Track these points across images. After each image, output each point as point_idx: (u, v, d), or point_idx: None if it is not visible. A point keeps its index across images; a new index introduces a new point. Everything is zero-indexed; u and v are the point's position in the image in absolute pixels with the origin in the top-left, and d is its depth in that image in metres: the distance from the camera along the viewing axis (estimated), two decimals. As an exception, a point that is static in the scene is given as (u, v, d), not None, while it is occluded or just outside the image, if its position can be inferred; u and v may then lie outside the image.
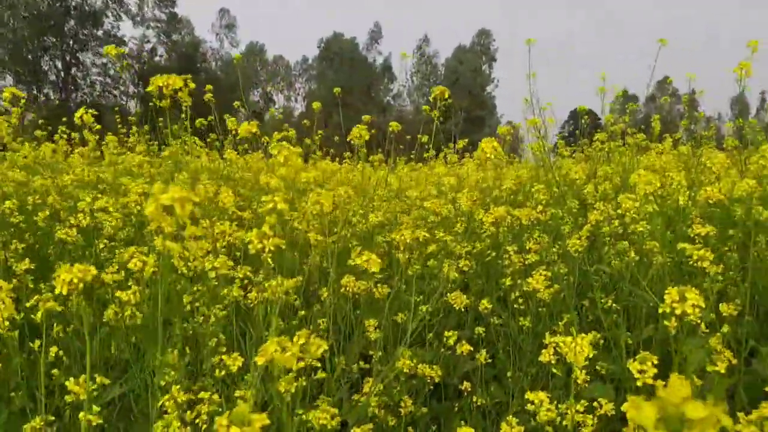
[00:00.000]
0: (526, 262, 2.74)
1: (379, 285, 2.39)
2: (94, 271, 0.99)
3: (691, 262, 1.84)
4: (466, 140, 5.25)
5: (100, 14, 33.78)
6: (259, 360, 0.86)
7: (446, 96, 1.92)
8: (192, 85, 2.16)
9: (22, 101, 2.67)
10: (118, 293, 1.50)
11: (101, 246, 2.46)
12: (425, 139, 5.14)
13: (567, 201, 3.19)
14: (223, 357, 1.40)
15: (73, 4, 32.13)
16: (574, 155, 5.22)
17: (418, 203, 3.63)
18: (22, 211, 2.79)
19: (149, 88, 1.61)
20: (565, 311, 2.65)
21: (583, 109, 4.32)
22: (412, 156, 7.24)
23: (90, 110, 2.26)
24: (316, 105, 5.12)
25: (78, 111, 2.20)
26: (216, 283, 1.60)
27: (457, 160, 4.76)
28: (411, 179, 5.83)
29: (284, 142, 1.36)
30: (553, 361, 2.11)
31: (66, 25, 32.05)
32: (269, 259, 1.14)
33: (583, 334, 1.13)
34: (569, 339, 1.14)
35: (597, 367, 2.21)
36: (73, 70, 33.19)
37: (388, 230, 3.28)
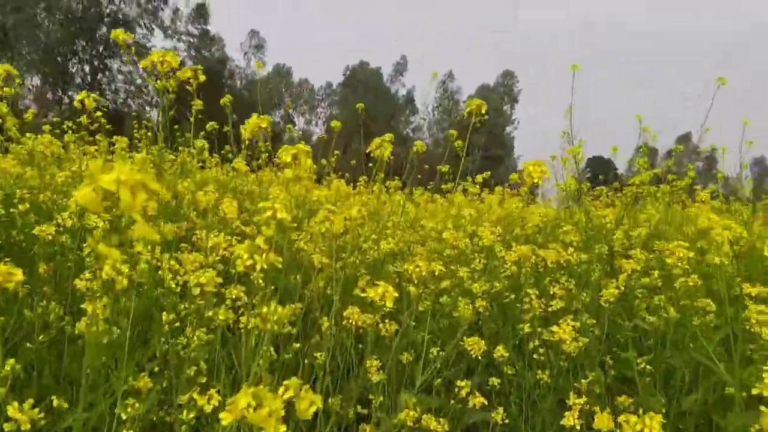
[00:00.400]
0: (549, 309, 2.49)
1: (386, 320, 2.15)
2: (19, 275, 0.77)
3: (748, 326, 1.59)
4: (488, 173, 5.04)
5: (133, 23, 34.40)
6: (225, 419, 0.63)
7: (483, 111, 1.71)
8: (202, 77, 1.99)
9: (17, 81, 2.50)
10: (85, 304, 1.28)
11: (88, 250, 2.25)
12: (445, 168, 4.95)
13: (596, 246, 2.95)
14: (195, 396, 1.17)
15: (107, 11, 32.76)
16: (599, 200, 4.99)
17: (434, 235, 3.40)
18: (11, 206, 2.60)
19: (142, 63, 1.43)
20: (589, 367, 2.38)
21: (615, 149, 4.11)
22: (429, 187, 7.05)
23: (92, 96, 2.08)
24: (335, 124, 4.96)
25: (79, 94, 2.03)
26: (201, 301, 1.39)
27: (478, 193, 4.55)
28: (427, 210, 5.61)
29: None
30: (577, 427, 1.86)
31: (98, 31, 32.61)
32: (261, 280, 0.92)
33: (652, 413, 0.89)
34: (633, 418, 0.89)
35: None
36: (100, 75, 33.64)
37: (400, 260, 3.05)
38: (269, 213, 0.93)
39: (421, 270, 1.98)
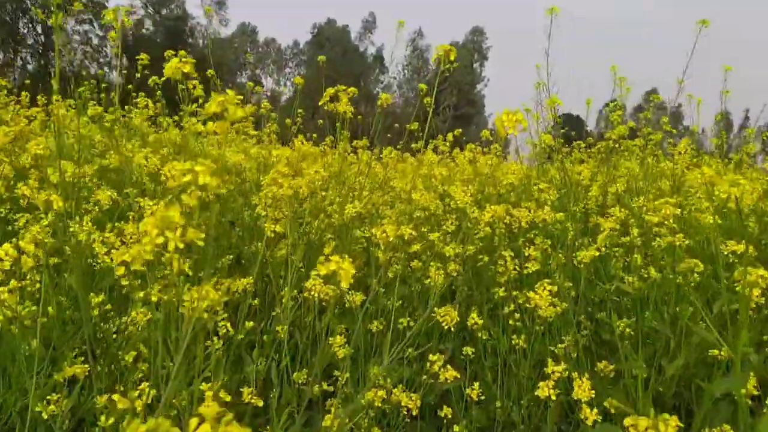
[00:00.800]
0: (524, 271, 2.38)
1: (351, 291, 2.00)
2: None
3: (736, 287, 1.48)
4: (458, 131, 4.86)
5: (87, -20, 32.75)
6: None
7: (452, 58, 1.53)
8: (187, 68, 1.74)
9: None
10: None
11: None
12: (414, 126, 4.75)
13: (571, 204, 2.83)
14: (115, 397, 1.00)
15: (58, -34, 30.91)
16: (572, 156, 4.88)
17: (404, 196, 3.24)
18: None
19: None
20: (565, 331, 2.28)
21: (589, 102, 3.96)
22: (399, 147, 6.85)
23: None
24: (298, 80, 4.69)
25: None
26: (126, 282, 1.21)
27: (449, 152, 4.39)
28: (397, 171, 5.45)
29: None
30: (553, 397, 1.75)
31: (49, -12, 30.86)
32: (177, 262, 0.75)
33: (666, 416, 0.76)
34: (644, 422, 0.76)
35: (605, 404, 1.86)
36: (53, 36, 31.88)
37: (368, 224, 2.89)
38: (189, 177, 0.75)
39: (388, 235, 1.82)
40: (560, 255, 2.50)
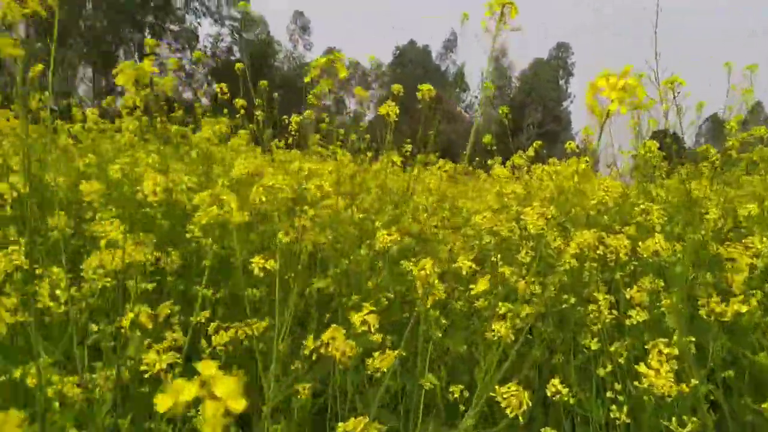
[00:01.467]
0: (627, 321, 1.77)
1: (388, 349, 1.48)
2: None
3: None
4: (540, 143, 4.25)
5: (182, 11, 34.54)
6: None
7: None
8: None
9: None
10: None
11: None
12: (488, 139, 4.19)
13: (688, 229, 2.18)
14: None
15: (152, -1, 33.02)
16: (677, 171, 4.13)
17: (466, 216, 2.70)
18: None
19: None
20: (687, 406, 1.65)
21: (702, 105, 3.27)
22: (473, 165, 6.28)
23: None
24: (396, 87, 4.24)
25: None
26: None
27: (527, 167, 3.80)
28: (470, 188, 4.90)
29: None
30: None
31: (143, 17, 32.81)
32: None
33: None
34: None
35: None
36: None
37: (422, 250, 2.37)
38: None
39: (427, 273, 1.30)
40: (674, 298, 1.86)
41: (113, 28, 31.49)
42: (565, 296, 2.07)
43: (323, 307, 2.07)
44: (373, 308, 1.17)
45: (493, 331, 1.60)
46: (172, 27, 34.88)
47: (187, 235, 2.09)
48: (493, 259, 2.35)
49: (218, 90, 4.15)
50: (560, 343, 2.05)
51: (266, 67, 37.26)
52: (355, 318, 1.25)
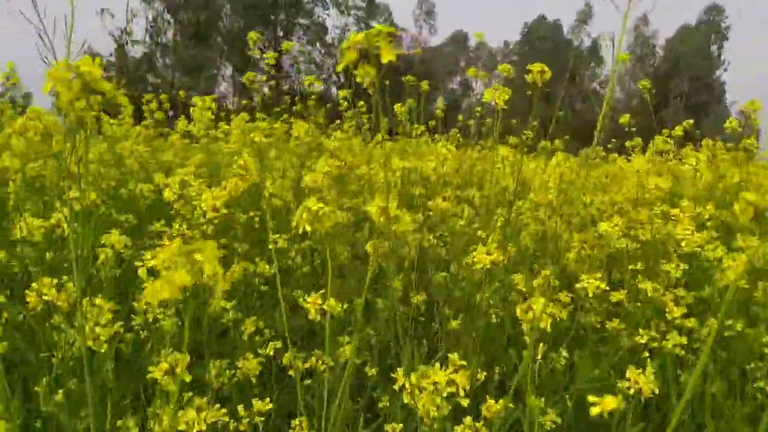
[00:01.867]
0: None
1: None
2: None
3: None
4: (689, 122, 3.61)
5: (310, 5, 35.71)
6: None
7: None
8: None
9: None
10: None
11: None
12: (626, 119, 3.66)
13: None
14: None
15: (283, -4, 34.46)
16: None
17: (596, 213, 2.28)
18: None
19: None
20: None
21: None
22: (609, 146, 5.63)
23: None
24: (504, 68, 3.85)
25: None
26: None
27: (673, 149, 3.20)
28: (608, 177, 4.35)
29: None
30: None
31: (276, 15, 34.36)
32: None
33: None
34: None
35: None
36: (282, 59, 35.37)
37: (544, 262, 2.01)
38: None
39: (536, 315, 0.99)
40: None
41: (248, 28, 33.38)
42: (728, 321, 1.62)
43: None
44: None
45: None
46: (301, 21, 36.23)
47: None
48: (630, 267, 1.94)
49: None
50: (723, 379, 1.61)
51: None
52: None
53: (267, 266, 2.06)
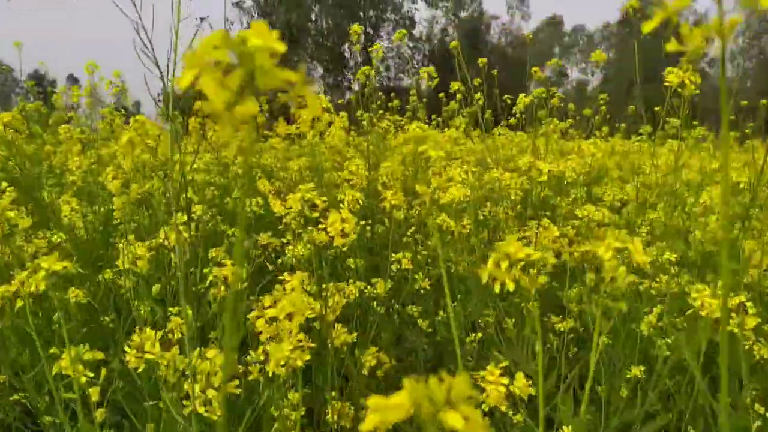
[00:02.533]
0: None
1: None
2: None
3: None
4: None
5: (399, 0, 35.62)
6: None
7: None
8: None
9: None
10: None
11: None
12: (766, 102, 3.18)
13: None
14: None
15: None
16: None
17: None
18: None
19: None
20: None
21: None
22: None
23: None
24: (598, 56, 3.40)
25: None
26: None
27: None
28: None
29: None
30: None
31: (365, 12, 34.40)
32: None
33: None
34: None
35: None
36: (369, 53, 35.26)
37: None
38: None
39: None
40: None
41: (337, 26, 33.66)
42: None
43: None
44: None
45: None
46: (390, 16, 36.16)
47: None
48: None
49: (424, 75, 3.85)
50: None
51: (481, 44, 36.66)
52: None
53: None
